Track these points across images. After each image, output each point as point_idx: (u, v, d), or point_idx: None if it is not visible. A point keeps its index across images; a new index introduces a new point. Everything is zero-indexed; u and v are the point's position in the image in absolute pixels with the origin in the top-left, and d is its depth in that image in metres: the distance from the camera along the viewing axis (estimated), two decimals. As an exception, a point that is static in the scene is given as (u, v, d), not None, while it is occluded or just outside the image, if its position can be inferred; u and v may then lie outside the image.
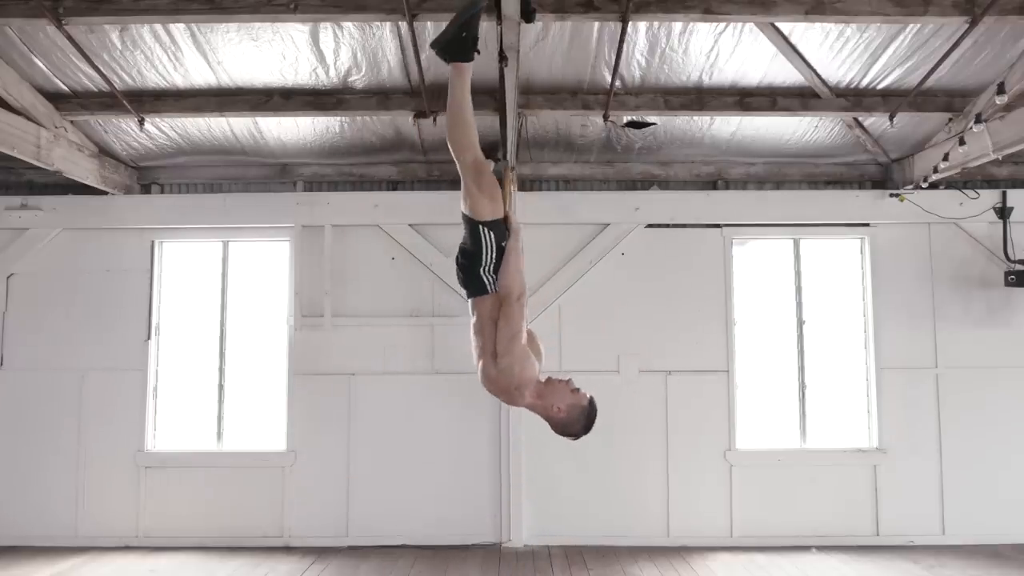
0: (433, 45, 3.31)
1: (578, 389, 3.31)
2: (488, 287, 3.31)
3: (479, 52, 3.29)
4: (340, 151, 6.45)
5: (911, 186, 6.32)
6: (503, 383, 3.24)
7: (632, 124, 5.89)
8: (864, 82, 5.42)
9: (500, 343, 3.19)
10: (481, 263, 3.30)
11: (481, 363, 3.29)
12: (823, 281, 6.64)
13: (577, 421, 3.28)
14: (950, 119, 5.67)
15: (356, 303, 6.47)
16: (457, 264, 3.43)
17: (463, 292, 3.46)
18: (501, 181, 3.65)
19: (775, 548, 6.11)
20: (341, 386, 6.39)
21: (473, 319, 3.39)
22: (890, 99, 5.50)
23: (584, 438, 6.33)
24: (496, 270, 3.31)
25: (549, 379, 3.33)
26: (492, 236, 3.32)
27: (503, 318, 3.21)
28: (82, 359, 6.44)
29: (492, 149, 6.34)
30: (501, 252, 3.34)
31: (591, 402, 3.31)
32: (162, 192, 6.78)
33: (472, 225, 3.34)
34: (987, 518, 6.25)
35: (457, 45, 3.25)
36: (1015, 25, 4.60)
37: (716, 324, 6.46)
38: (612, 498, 6.29)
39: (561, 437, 3.39)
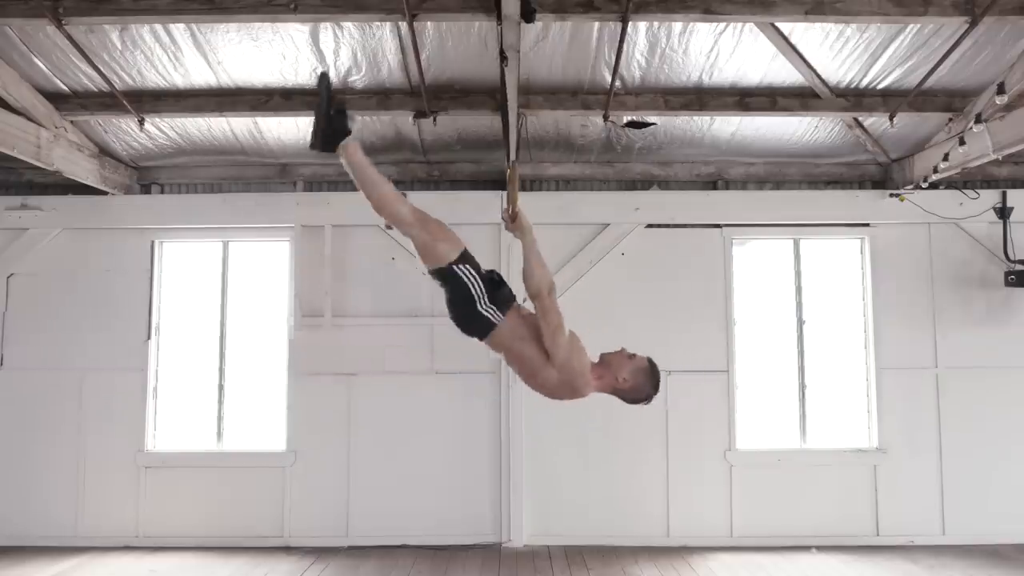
0: (313, 147, 3.17)
1: (634, 354, 3.27)
2: (493, 318, 3.18)
3: (353, 120, 3.12)
4: (340, 151, 6.44)
5: (911, 186, 6.31)
6: (568, 379, 3.17)
7: (632, 124, 5.89)
8: (864, 82, 5.42)
9: (547, 339, 3.10)
10: (475, 301, 3.16)
11: (539, 380, 3.20)
12: (823, 281, 6.63)
13: (645, 384, 3.25)
14: (950, 119, 5.67)
15: (356, 303, 6.46)
16: (456, 320, 3.28)
17: (476, 339, 3.30)
18: (507, 180, 3.61)
19: (775, 548, 6.10)
20: (341, 386, 6.39)
21: (502, 355, 3.29)
22: (890, 99, 5.50)
23: (584, 438, 6.34)
24: (492, 300, 3.18)
25: (602, 356, 3.28)
26: (468, 269, 3.19)
27: (541, 317, 3.12)
28: (82, 359, 6.44)
29: (493, 149, 6.36)
30: (487, 280, 3.22)
31: (650, 361, 3.28)
32: (162, 192, 6.77)
33: (445, 273, 3.20)
34: (987, 518, 6.24)
35: (333, 127, 3.11)
36: (1015, 25, 4.60)
37: (716, 324, 6.45)
38: (612, 498, 6.28)
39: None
